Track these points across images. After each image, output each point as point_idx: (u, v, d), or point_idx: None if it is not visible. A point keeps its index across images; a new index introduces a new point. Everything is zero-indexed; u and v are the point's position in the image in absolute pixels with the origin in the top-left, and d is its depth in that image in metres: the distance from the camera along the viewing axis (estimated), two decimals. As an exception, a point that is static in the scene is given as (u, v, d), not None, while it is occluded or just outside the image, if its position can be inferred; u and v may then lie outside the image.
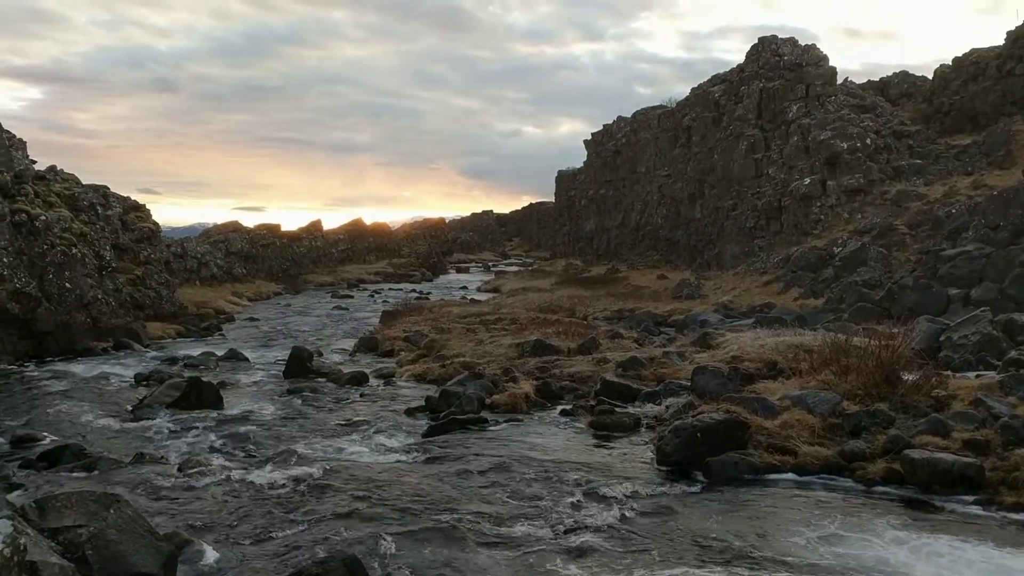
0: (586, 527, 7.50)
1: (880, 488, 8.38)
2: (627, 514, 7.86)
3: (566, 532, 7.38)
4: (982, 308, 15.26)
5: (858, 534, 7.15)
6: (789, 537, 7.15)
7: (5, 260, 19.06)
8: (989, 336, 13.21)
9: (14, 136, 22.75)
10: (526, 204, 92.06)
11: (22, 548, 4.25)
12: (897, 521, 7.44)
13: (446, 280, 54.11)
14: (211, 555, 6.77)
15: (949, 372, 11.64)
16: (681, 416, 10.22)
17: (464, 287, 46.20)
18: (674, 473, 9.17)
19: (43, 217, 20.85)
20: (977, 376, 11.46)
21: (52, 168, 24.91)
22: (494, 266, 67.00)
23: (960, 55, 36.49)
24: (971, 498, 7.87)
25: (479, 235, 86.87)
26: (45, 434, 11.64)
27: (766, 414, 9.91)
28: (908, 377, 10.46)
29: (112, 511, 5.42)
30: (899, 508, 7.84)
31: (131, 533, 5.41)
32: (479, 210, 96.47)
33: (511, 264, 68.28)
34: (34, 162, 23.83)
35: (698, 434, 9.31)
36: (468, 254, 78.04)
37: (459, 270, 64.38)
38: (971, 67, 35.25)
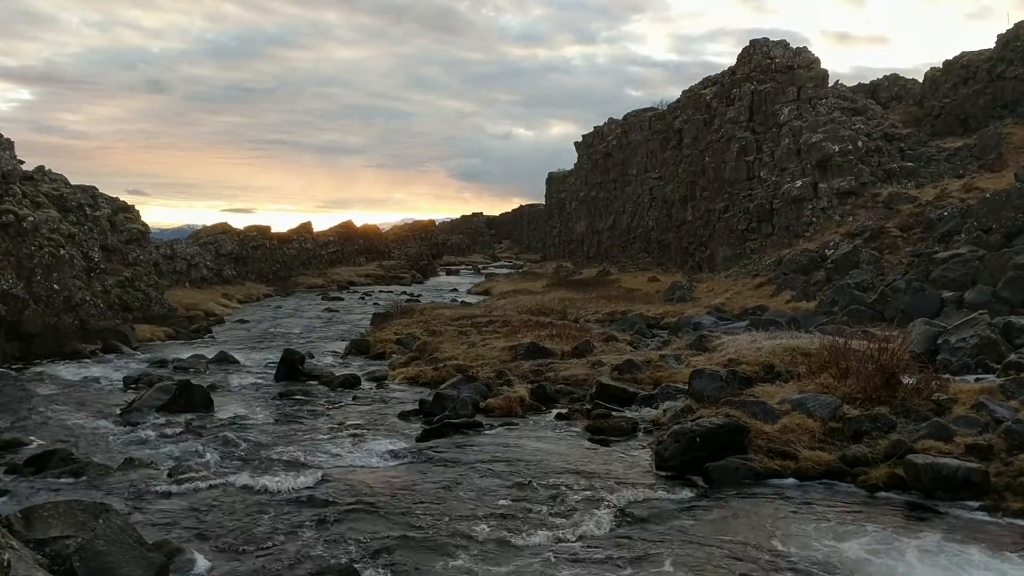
0: (584, 533, 7.36)
1: (883, 493, 8.27)
2: (626, 520, 7.73)
3: (564, 538, 7.24)
4: (980, 311, 15.20)
5: (862, 540, 7.03)
6: (792, 543, 7.02)
7: (-9, 261, 18.79)
8: (988, 339, 13.15)
9: (2, 136, 22.45)
10: (516, 206, 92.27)
11: (6, 564, 4.07)
12: (902, 527, 7.32)
13: (436, 282, 53.89)
14: (202, 564, 6.59)
15: (948, 375, 11.55)
16: (680, 420, 10.08)
17: (455, 289, 46.01)
18: (673, 478, 9.04)
19: (31, 218, 20.58)
20: (976, 380, 11.37)
21: (40, 168, 24.62)
22: (484, 268, 66.74)
23: (950, 59, 36.60)
24: (976, 503, 7.77)
25: (469, 237, 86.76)
26: (32, 438, 11.42)
27: (766, 418, 9.79)
28: (908, 380, 10.36)
29: (101, 521, 5.24)
30: (903, 514, 7.73)
31: (120, 544, 5.23)
32: (469, 212, 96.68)
33: (501, 266, 68.10)
34: (22, 162, 23.51)
35: (697, 439, 9.18)
36: (458, 256, 77.86)
37: (449, 272, 64.13)
38: (961, 70, 35.35)
